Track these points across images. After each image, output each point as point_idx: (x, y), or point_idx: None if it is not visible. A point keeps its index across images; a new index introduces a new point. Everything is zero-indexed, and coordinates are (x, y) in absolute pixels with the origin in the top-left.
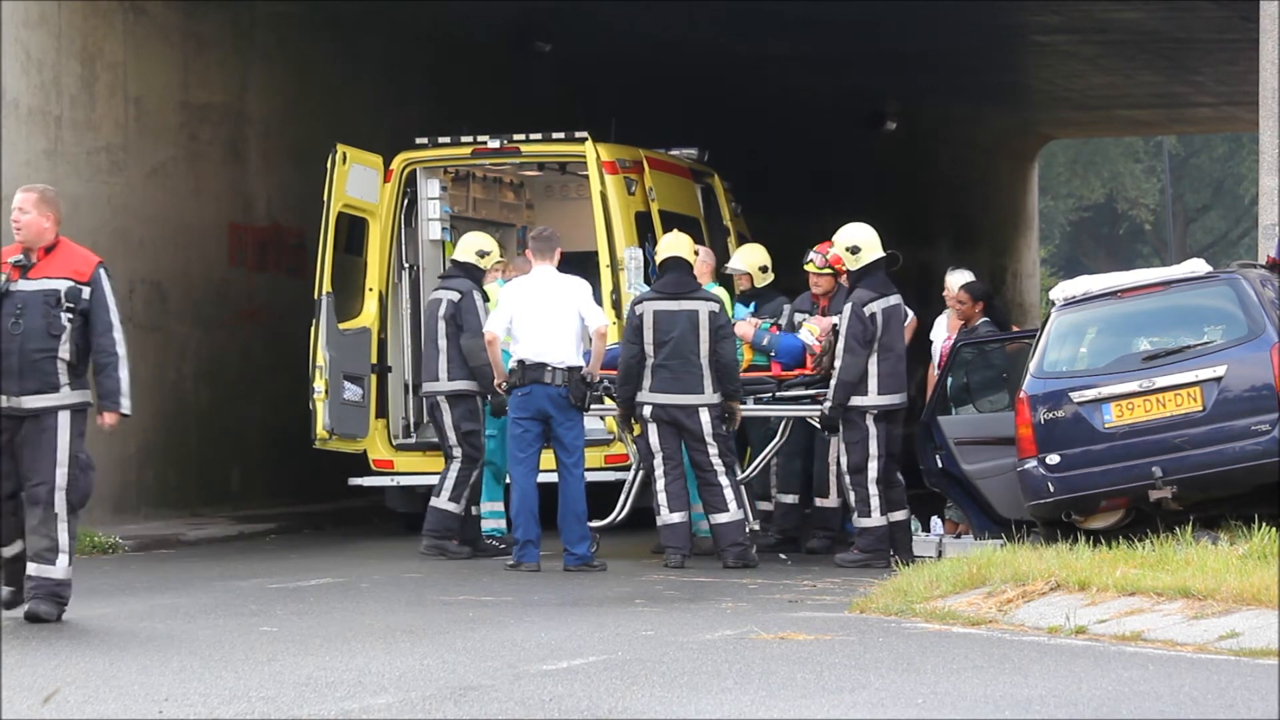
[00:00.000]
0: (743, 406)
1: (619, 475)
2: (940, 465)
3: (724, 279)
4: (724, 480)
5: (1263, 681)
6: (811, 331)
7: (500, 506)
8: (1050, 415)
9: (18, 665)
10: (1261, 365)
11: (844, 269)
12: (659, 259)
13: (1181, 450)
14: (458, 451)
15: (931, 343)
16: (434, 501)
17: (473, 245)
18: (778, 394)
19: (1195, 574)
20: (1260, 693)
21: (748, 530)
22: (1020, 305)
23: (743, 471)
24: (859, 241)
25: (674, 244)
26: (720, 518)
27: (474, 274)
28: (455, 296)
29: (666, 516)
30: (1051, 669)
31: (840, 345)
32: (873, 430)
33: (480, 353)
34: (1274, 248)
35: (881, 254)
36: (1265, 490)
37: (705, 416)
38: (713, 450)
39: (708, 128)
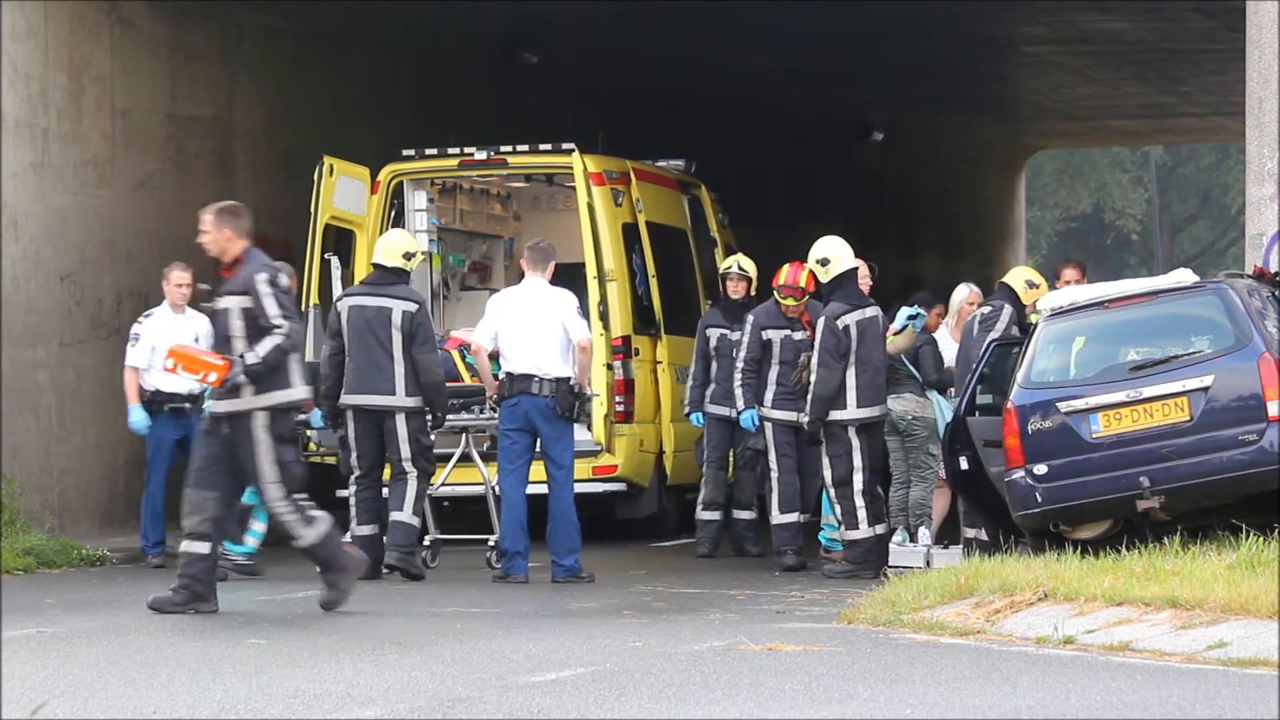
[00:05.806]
0: None
1: (608, 486)
2: (966, 467)
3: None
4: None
5: (1251, 691)
6: None
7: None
8: (1037, 425)
9: (6, 677)
10: (1249, 375)
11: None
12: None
13: (1169, 460)
14: (411, 467)
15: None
16: (395, 516)
17: (399, 247)
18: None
19: (1183, 584)
20: (1248, 702)
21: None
22: None
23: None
24: (829, 254)
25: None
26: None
27: (404, 279)
28: (412, 308)
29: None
30: (1039, 679)
31: (815, 359)
32: (855, 442)
33: (438, 369)
34: (1261, 257)
35: (853, 265)
36: (1253, 500)
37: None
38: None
39: (695, 139)
